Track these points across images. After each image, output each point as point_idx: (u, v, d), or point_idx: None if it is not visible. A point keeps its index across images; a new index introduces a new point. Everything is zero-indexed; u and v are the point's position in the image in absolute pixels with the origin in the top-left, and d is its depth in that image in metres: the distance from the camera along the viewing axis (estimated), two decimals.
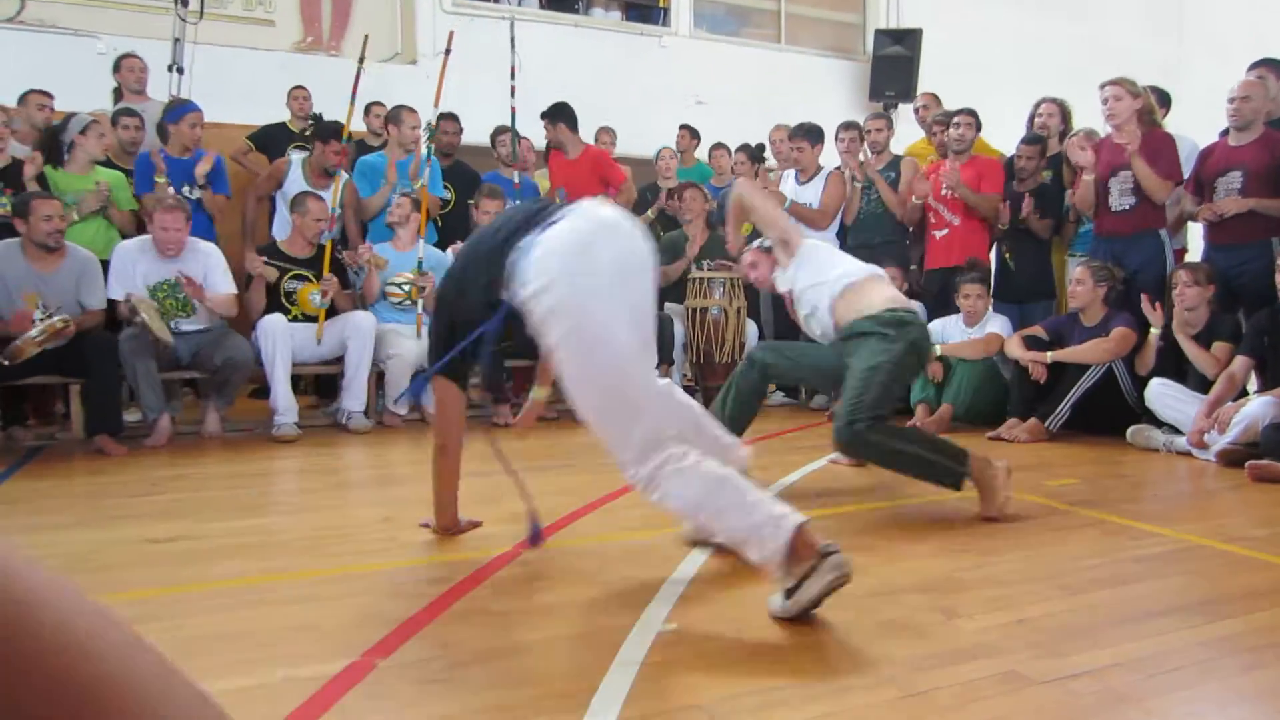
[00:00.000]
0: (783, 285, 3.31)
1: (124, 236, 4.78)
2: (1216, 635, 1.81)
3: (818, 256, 3.22)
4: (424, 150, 5.39)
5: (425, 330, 5.01)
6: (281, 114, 6.03)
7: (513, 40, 5.96)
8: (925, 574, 2.20)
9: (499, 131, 6.13)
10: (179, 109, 5.08)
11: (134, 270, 4.39)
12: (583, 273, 1.93)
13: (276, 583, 2.15)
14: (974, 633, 1.80)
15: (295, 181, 5.30)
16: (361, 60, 5.35)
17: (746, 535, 1.85)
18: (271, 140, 5.91)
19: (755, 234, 6.24)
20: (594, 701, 1.47)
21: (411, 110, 5.50)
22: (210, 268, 4.57)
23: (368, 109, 6.08)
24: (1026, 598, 2.02)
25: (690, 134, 7.00)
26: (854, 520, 2.77)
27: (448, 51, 5.37)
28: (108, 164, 5.01)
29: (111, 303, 4.36)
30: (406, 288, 5.01)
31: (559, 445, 4.27)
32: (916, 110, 6.05)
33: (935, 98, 5.99)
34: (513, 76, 5.94)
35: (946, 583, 2.13)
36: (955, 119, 5.31)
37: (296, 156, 5.42)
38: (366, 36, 5.65)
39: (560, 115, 5.73)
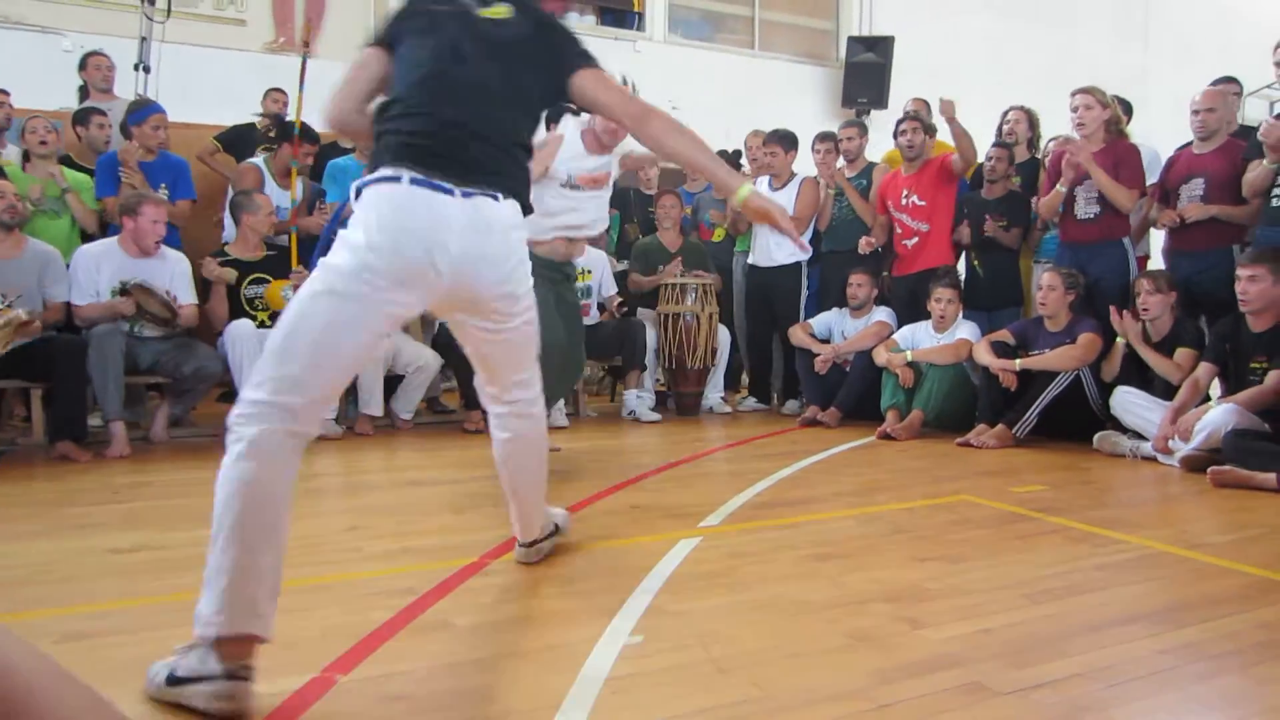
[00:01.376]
0: None
1: (85, 237, 4.70)
2: (1177, 643, 1.83)
3: None
4: None
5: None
6: (252, 115, 5.95)
7: None
8: (892, 583, 2.21)
9: None
10: (142, 110, 4.99)
11: (98, 274, 4.30)
12: None
13: None
14: (939, 643, 1.81)
15: (271, 189, 5.18)
16: (306, 50, 5.26)
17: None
18: (240, 141, 5.83)
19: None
20: (558, 717, 1.46)
21: None
22: (176, 275, 4.49)
23: None
24: (991, 607, 2.04)
25: None
26: (822, 528, 2.78)
27: None
28: (68, 162, 4.93)
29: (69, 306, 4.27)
30: None
31: None
32: (906, 115, 6.04)
33: (925, 103, 5.98)
34: None
35: (913, 592, 2.15)
36: (900, 125, 5.35)
37: (259, 158, 5.31)
38: (307, 22, 5.57)
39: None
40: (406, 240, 1.65)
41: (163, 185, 4.93)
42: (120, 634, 1.85)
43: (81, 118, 5.13)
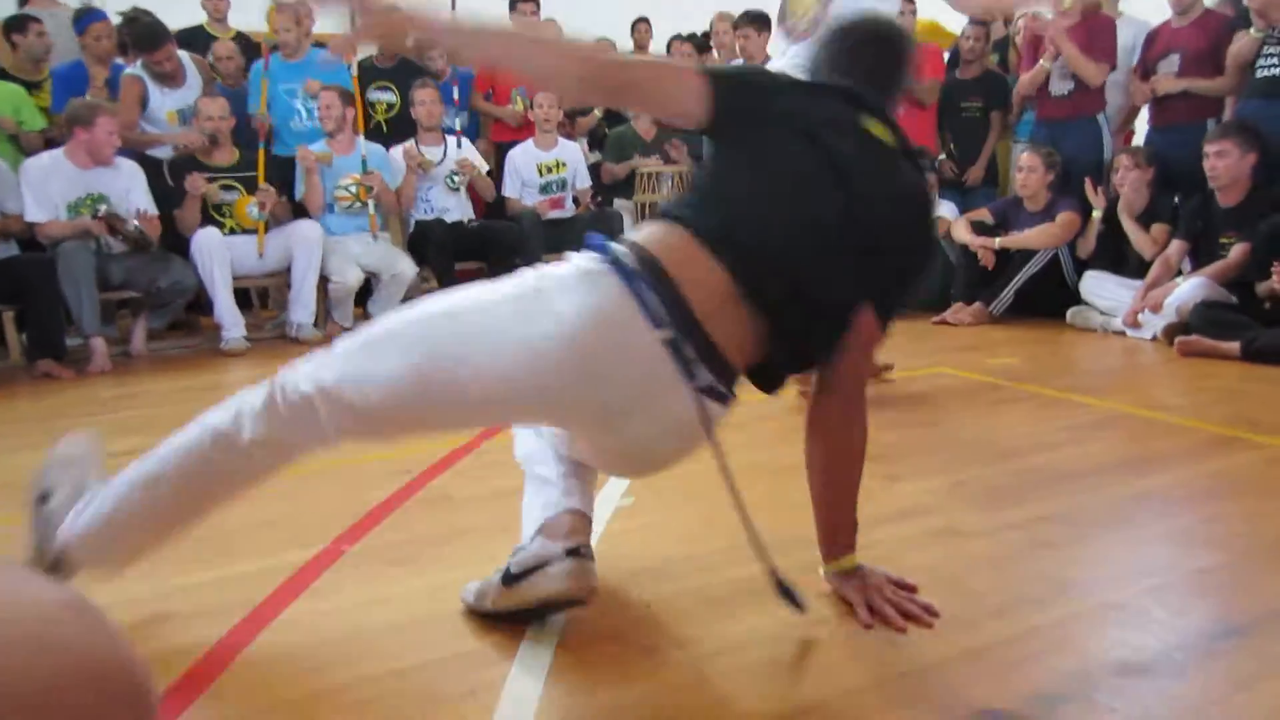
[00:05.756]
0: None
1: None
2: (1135, 491, 1.95)
3: None
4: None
5: (381, 230, 4.96)
6: (198, 15, 5.67)
7: None
8: (870, 444, 2.29)
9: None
10: (85, 18, 4.77)
11: (49, 188, 4.17)
12: None
13: None
14: (915, 494, 1.92)
15: (156, 97, 4.85)
16: None
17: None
18: (189, 46, 5.60)
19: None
20: None
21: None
22: (133, 186, 4.36)
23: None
24: (964, 463, 2.15)
25: (646, 26, 6.80)
26: (800, 401, 2.87)
27: None
28: (3, 75, 4.69)
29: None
30: (354, 189, 4.90)
31: None
32: None
33: None
34: None
35: (891, 451, 2.25)
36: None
37: (136, 66, 4.86)
38: None
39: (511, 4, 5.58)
40: None
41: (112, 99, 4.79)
42: None
43: (17, 25, 4.78)
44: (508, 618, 1.36)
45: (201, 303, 4.84)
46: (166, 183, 4.65)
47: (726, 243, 1.21)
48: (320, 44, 5.35)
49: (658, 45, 6.82)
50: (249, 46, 5.39)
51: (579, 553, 1.33)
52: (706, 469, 2.06)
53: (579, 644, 1.30)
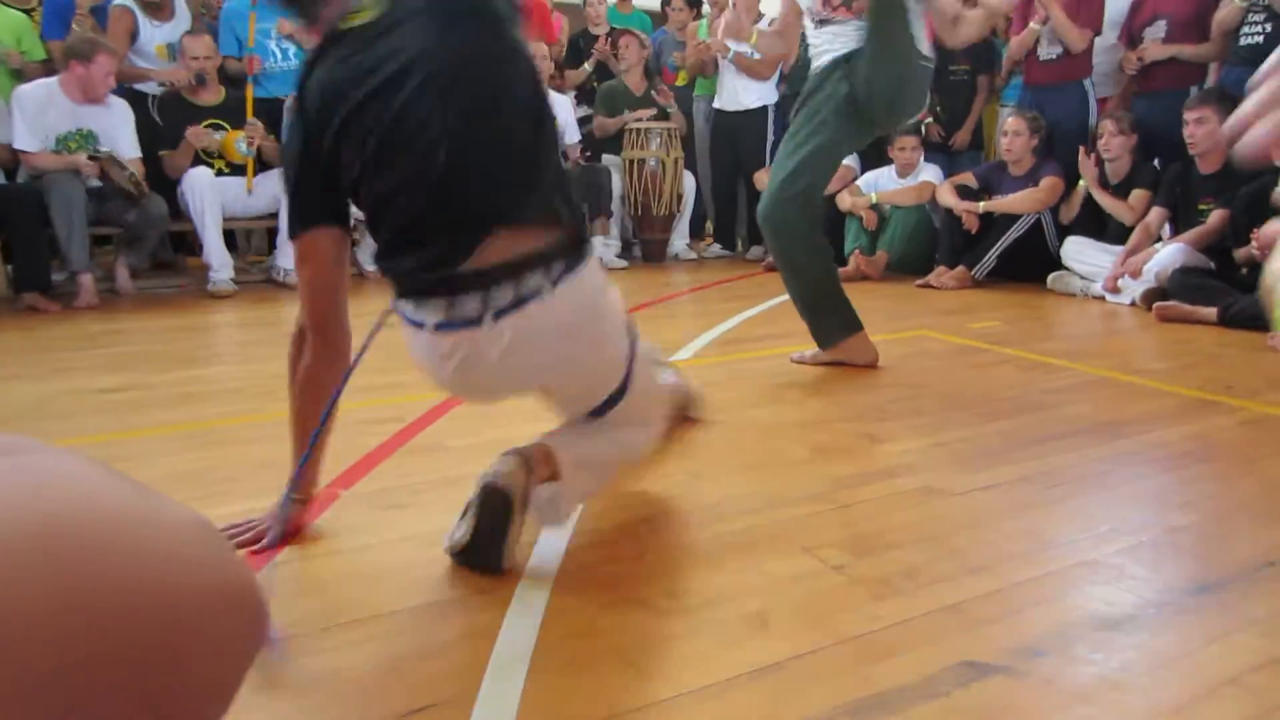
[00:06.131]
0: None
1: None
2: (1111, 453, 2.00)
3: None
4: None
5: None
6: None
7: None
8: (854, 406, 2.36)
9: None
10: None
11: (43, 119, 4.15)
12: None
13: (233, 425, 2.21)
14: (896, 455, 1.96)
15: (146, 30, 4.79)
16: None
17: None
18: None
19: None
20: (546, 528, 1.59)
21: None
22: (120, 124, 4.34)
23: None
24: (944, 424, 2.19)
25: None
26: (786, 362, 2.91)
27: None
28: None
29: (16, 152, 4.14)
30: None
31: None
32: None
33: None
34: None
35: (873, 412, 2.29)
36: None
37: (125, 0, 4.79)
38: None
39: None
40: None
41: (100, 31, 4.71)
42: (123, 460, 1.94)
43: None
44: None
45: (190, 243, 4.82)
46: (153, 119, 4.60)
47: None
48: None
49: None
50: None
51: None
52: (691, 429, 2.11)
53: (573, 591, 1.33)
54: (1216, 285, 3.65)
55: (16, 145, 4.11)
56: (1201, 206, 4.00)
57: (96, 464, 0.45)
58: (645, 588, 1.34)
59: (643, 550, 1.47)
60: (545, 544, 1.49)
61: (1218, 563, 1.44)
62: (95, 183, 4.19)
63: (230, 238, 5.00)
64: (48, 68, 4.55)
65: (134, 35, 4.72)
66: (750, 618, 1.25)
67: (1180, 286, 3.71)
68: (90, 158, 4.12)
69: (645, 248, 5.91)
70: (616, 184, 5.69)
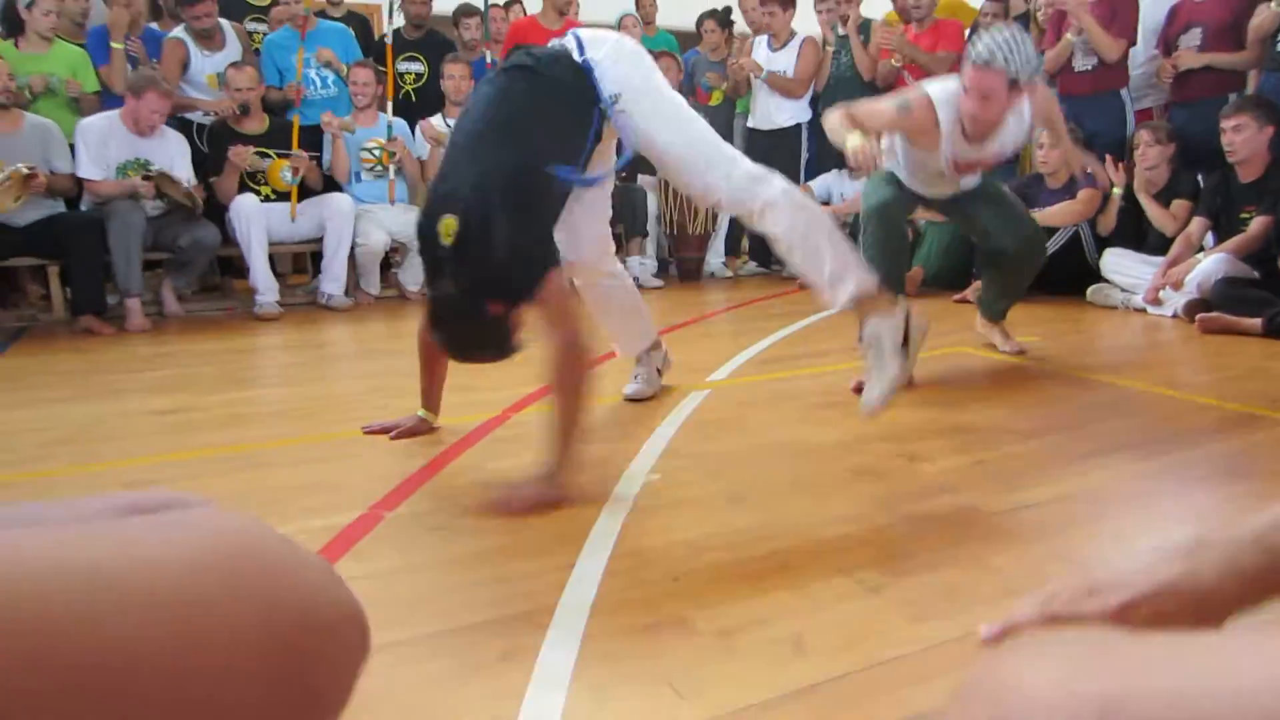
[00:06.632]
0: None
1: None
2: (1152, 469, 1.98)
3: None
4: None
5: (404, 200, 5.02)
6: None
7: None
8: (892, 425, 2.35)
9: (464, 13, 5.74)
10: None
11: (105, 149, 4.32)
12: (650, 69, 2.14)
13: (281, 448, 2.26)
14: (935, 474, 1.96)
15: (197, 60, 4.93)
16: None
17: (840, 270, 2.10)
18: (228, 13, 5.67)
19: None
20: (588, 542, 1.61)
21: None
22: (175, 154, 4.50)
23: None
24: (984, 443, 2.18)
25: (652, 0, 6.78)
26: (824, 380, 2.91)
27: None
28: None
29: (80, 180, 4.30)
30: (377, 152, 4.97)
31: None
32: None
33: None
34: None
35: (911, 432, 2.29)
36: None
37: (179, 31, 4.95)
38: None
39: None
40: None
41: (154, 61, 4.87)
42: (177, 481, 1.99)
43: None
44: None
45: (238, 267, 4.95)
46: (201, 149, 4.75)
47: None
48: (326, 14, 5.41)
49: (685, 20, 6.79)
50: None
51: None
52: (729, 450, 2.13)
53: (611, 614, 1.35)
54: (1260, 295, 3.59)
55: (81, 174, 4.30)
56: (1243, 215, 3.94)
57: (249, 515, 0.55)
58: (683, 609, 1.36)
59: (681, 572, 1.49)
60: (584, 566, 1.51)
61: None
62: (154, 208, 4.34)
63: (271, 261, 5.12)
64: (102, 99, 4.70)
65: (185, 65, 4.87)
66: (788, 640, 1.26)
67: (1223, 297, 3.66)
68: (144, 177, 4.27)
69: (681, 267, 5.93)
70: (652, 204, 5.72)
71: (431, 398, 2.34)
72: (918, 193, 3.02)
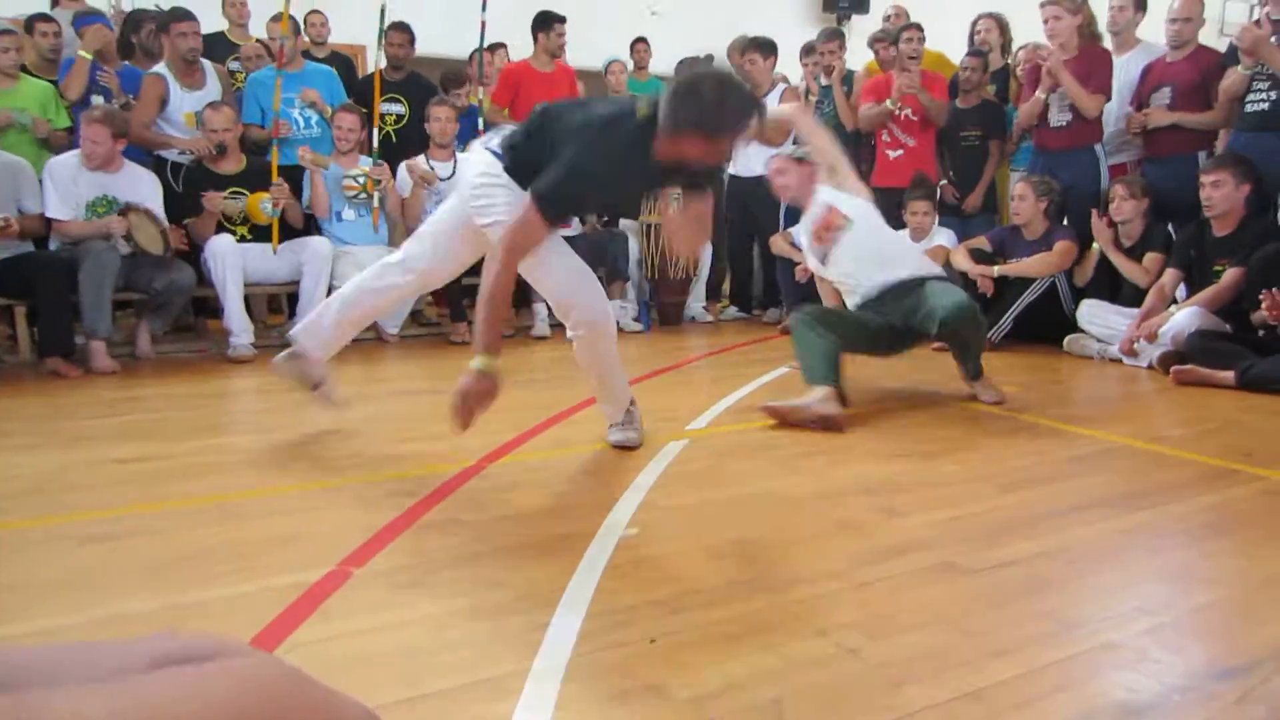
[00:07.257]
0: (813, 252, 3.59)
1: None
2: (1133, 525, 1.97)
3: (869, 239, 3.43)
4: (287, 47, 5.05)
5: (382, 226, 5.00)
6: (219, 23, 5.77)
7: None
8: (869, 478, 2.34)
9: (454, 84, 5.72)
10: (81, 20, 4.83)
11: (75, 188, 4.26)
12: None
13: (249, 499, 2.21)
14: (914, 529, 1.94)
15: (175, 97, 4.90)
16: None
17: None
18: (209, 53, 5.68)
19: None
20: (562, 602, 1.58)
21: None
22: (147, 193, 4.42)
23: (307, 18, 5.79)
24: (962, 496, 2.17)
25: (646, 47, 6.86)
26: (802, 430, 2.89)
27: None
28: (25, 71, 4.73)
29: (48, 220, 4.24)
30: (361, 180, 4.94)
31: (523, 361, 4.35)
32: (888, 17, 6.01)
33: (905, 11, 5.94)
34: None
35: (889, 485, 2.27)
36: (904, 34, 5.31)
37: (160, 67, 4.92)
38: None
39: (544, 24, 5.63)
40: None
41: (129, 96, 4.84)
42: (140, 535, 1.94)
43: (28, 25, 4.87)
44: None
45: (212, 307, 4.89)
46: (174, 189, 4.71)
47: None
48: (310, 55, 5.43)
49: (664, 65, 6.86)
50: (270, 55, 5.47)
51: None
52: (707, 503, 2.11)
53: (585, 680, 1.31)
54: (1233, 349, 3.63)
55: (49, 214, 4.21)
56: (1216, 268, 3.99)
57: (286, 663, 0.56)
58: (659, 674, 1.32)
59: (658, 632, 1.46)
60: (559, 625, 1.48)
61: (1242, 644, 1.41)
62: (123, 248, 4.27)
63: (247, 302, 5.08)
64: (72, 135, 4.64)
65: (165, 102, 4.85)
66: (766, 707, 1.23)
67: (1197, 350, 3.69)
68: (121, 213, 4.21)
69: (662, 311, 5.94)
70: (633, 248, 5.74)
71: (495, 343, 2.27)
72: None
